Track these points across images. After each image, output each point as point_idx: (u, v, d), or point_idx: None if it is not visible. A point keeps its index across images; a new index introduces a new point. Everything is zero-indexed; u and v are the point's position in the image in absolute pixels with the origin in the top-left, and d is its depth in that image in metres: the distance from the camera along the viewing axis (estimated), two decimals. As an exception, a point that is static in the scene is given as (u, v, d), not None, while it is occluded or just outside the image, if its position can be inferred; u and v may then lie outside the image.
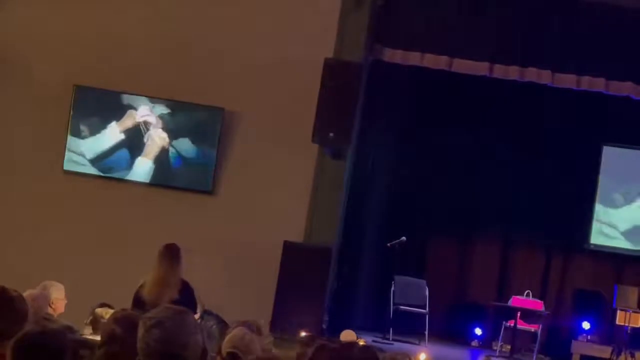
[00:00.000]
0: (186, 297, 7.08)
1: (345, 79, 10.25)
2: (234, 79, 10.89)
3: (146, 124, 10.85)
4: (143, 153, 10.86)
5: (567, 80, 10.75)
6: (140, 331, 2.87)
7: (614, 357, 11.04)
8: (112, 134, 10.92)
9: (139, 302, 7.08)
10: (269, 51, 10.79)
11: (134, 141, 10.89)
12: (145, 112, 10.89)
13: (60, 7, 11.11)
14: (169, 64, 10.94)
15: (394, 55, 10.88)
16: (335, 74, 10.27)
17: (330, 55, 10.50)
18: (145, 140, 10.87)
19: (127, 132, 10.89)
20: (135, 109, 10.88)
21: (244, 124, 10.89)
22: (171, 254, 7.26)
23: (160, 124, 10.84)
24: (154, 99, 10.90)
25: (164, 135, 10.85)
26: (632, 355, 11.01)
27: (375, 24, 10.83)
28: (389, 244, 11.49)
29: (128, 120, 10.89)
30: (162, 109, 10.90)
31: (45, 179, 10.96)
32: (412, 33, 10.83)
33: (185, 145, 10.88)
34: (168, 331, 2.84)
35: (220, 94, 10.86)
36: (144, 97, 10.89)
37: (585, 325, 12.05)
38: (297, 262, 10.24)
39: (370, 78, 10.95)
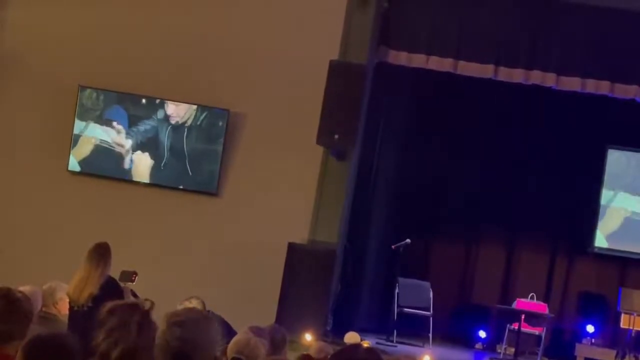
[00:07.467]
0: (107, 291, 7.02)
1: (350, 81, 10.26)
2: (239, 81, 10.89)
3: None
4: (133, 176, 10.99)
5: (571, 83, 10.74)
6: (162, 327, 2.88)
7: (618, 360, 11.02)
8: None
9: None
10: (274, 53, 10.80)
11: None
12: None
13: (64, 7, 11.12)
14: (174, 66, 10.94)
15: (399, 57, 10.88)
16: (340, 76, 10.27)
17: (335, 57, 10.51)
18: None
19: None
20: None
21: (249, 126, 10.90)
22: (98, 252, 7.24)
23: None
24: (159, 100, 10.92)
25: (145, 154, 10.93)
26: (637, 358, 10.98)
27: (380, 26, 10.83)
28: (393, 246, 11.48)
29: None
30: (167, 111, 10.92)
31: (50, 180, 10.97)
32: (417, 35, 10.83)
33: (190, 147, 10.89)
34: (189, 332, 2.84)
35: (225, 96, 10.86)
36: (150, 98, 10.94)
37: (590, 328, 12.02)
38: (301, 263, 10.24)
39: (375, 80, 10.95)
